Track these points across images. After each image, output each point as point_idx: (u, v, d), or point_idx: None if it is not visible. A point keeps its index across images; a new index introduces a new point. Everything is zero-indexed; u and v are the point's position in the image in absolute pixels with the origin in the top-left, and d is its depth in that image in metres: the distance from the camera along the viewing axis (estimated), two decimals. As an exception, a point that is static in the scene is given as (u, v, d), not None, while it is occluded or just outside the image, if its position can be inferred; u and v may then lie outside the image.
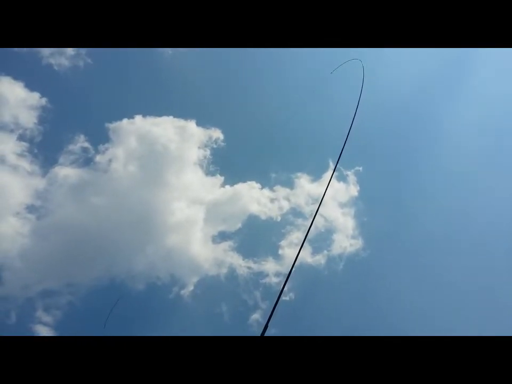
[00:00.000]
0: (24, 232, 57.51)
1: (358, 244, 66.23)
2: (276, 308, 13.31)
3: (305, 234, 13.57)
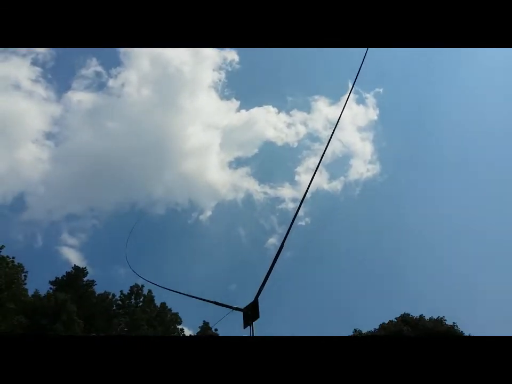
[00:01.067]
0: (44, 158, 57.57)
1: (375, 169, 66.57)
2: (290, 232, 13.17)
3: (320, 159, 13.57)
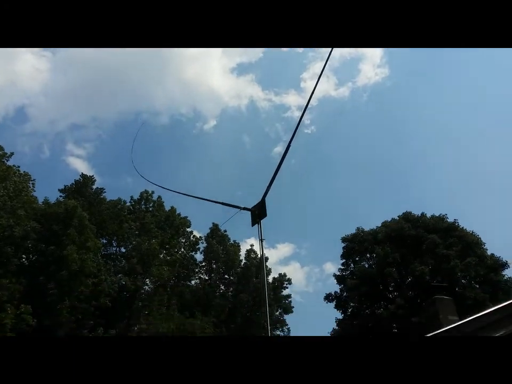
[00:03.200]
0: (42, 68, 57.84)
1: (384, 73, 65.80)
2: (294, 137, 13.42)
3: (324, 63, 13.43)
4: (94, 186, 34.13)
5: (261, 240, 12.45)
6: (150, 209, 34.62)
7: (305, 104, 13.26)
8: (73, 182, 33.77)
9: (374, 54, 64.74)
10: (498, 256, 29.88)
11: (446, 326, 9.04)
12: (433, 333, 8.25)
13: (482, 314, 10.10)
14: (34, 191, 28.34)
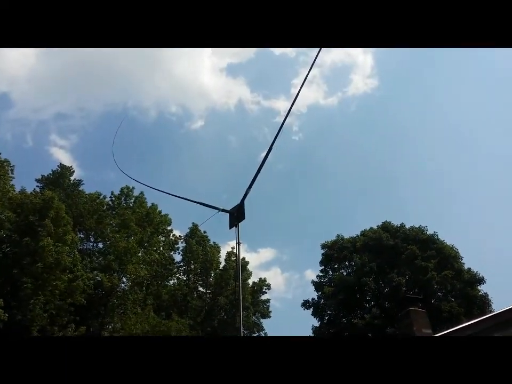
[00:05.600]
0: (28, 54, 55.90)
1: (373, 83, 67.06)
2: (277, 138, 13.40)
3: (310, 66, 13.52)
4: (72, 178, 33.07)
5: (238, 243, 12.49)
6: (131, 205, 33.80)
7: (290, 105, 13.34)
8: (51, 172, 32.61)
9: (365, 63, 65.92)
10: (475, 271, 30.66)
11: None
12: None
13: (456, 329, 10.15)
14: (13, 178, 27.12)
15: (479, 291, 30.14)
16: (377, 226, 34.66)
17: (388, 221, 34.55)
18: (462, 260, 31.52)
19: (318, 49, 12.17)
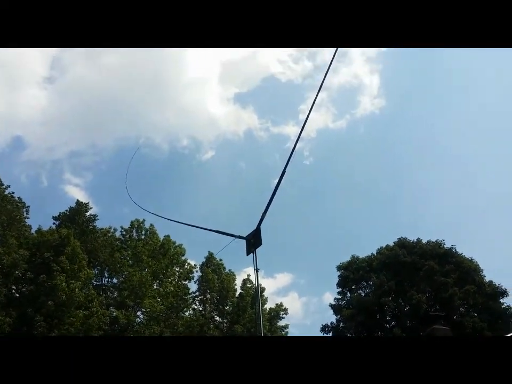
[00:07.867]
0: (40, 96, 57.47)
1: (381, 103, 66.84)
2: (288, 163, 13.15)
3: (317, 91, 13.54)
4: (88, 214, 33.52)
5: (256, 270, 12.17)
6: (142, 237, 33.98)
7: (300, 130, 13.38)
8: (68, 209, 33.11)
9: (372, 83, 66.37)
10: (497, 283, 29.72)
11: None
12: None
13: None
14: (28, 218, 27.68)
15: (502, 304, 29.12)
16: (393, 243, 34.07)
17: (403, 237, 33.97)
18: (482, 272, 30.62)
19: (324, 73, 12.28)
